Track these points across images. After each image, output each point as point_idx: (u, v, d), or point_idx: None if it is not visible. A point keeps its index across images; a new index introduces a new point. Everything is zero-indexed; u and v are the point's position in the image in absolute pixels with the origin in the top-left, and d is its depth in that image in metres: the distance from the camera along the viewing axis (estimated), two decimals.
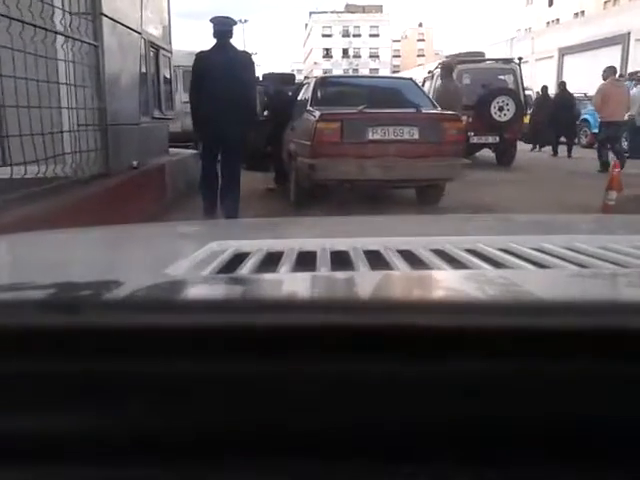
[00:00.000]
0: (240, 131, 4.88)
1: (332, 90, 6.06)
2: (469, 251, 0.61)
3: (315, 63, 70.34)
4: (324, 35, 79.86)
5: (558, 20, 39.29)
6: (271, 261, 0.59)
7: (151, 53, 6.20)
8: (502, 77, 10.26)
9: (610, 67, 9.11)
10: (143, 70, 5.82)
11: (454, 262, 0.57)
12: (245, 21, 57.54)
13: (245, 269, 0.55)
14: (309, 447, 0.28)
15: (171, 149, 7.40)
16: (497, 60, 10.81)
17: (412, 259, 0.58)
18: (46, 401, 0.29)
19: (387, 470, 0.27)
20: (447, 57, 10.99)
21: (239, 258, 0.60)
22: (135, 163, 4.98)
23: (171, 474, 0.28)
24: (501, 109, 9.46)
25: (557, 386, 0.27)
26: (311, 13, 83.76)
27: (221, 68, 4.71)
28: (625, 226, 0.96)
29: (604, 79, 8.93)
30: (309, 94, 5.97)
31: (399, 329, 0.28)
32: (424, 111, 5.37)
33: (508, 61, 10.38)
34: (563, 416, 0.27)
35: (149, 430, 0.28)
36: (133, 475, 0.28)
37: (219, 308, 0.32)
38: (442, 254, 0.60)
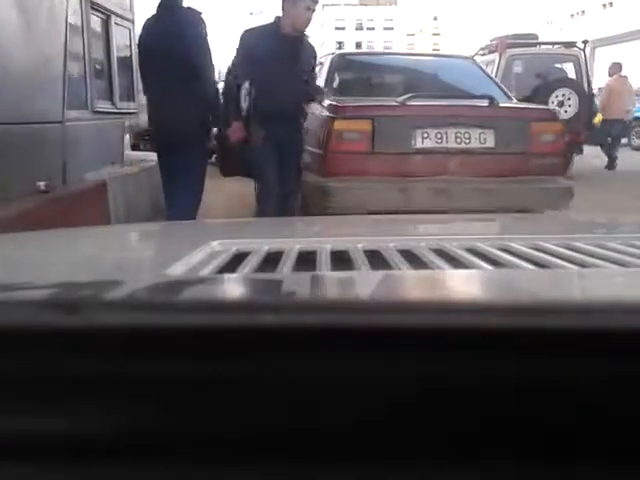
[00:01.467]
0: (193, 124, 3.17)
1: (356, 74, 4.15)
2: (469, 251, 0.62)
3: None
4: (337, 28, 77.69)
5: (583, 12, 37.37)
6: (271, 261, 0.59)
7: (95, 18, 4.31)
8: (559, 65, 8.35)
9: (616, 64, 8.95)
10: (76, 42, 3.94)
11: (454, 262, 0.57)
12: (259, 13, 55.77)
13: (245, 269, 0.56)
14: (309, 447, 0.28)
15: (141, 153, 5.57)
16: (554, 44, 8.82)
17: (412, 259, 0.59)
18: (46, 401, 0.28)
19: (387, 470, 0.27)
20: (492, 40, 8.99)
21: (239, 258, 0.61)
22: (42, 184, 3.13)
23: (171, 475, 0.28)
24: (561, 104, 7.50)
25: (557, 386, 0.27)
26: (324, 6, 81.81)
27: (159, 40, 3.12)
28: (624, 226, 0.98)
29: (610, 76, 8.84)
30: (322, 79, 4.08)
31: (399, 329, 0.28)
32: (502, 104, 3.46)
33: (570, 45, 8.38)
34: (563, 416, 0.27)
35: (149, 430, 0.28)
36: (133, 476, 0.28)
37: (219, 308, 0.31)
38: (442, 254, 0.60)
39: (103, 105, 4.40)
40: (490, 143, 3.34)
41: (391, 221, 1.21)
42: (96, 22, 4.37)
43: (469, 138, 3.32)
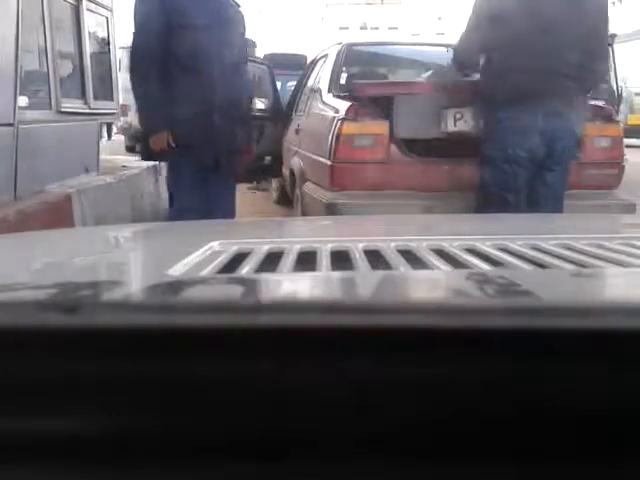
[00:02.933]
0: (237, 132, 2.61)
1: (367, 67, 3.53)
2: (469, 251, 0.62)
3: None
4: (341, 28, 77.25)
5: None
6: (271, 261, 0.59)
7: (61, 4, 3.70)
8: None
9: None
10: (35, 30, 3.34)
11: (454, 262, 0.57)
12: (259, 12, 55.33)
13: (245, 269, 0.55)
14: (309, 447, 0.27)
15: (123, 157, 4.98)
16: None
17: (412, 259, 0.59)
18: (45, 401, 0.28)
19: (385, 470, 0.27)
20: None
21: (239, 258, 0.61)
22: None
23: (171, 475, 0.28)
24: None
25: (557, 387, 0.27)
26: (327, 5, 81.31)
27: (209, 19, 2.46)
28: (624, 226, 0.99)
29: None
30: (327, 74, 3.47)
31: (399, 330, 0.28)
32: None
33: None
34: (563, 416, 0.27)
35: (149, 431, 0.28)
36: (133, 476, 0.28)
37: (219, 308, 0.31)
38: (442, 254, 0.61)
39: (72, 105, 3.79)
40: None
41: (391, 221, 1.20)
42: (63, 8, 3.76)
43: None
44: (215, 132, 2.49)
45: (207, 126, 2.47)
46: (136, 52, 2.49)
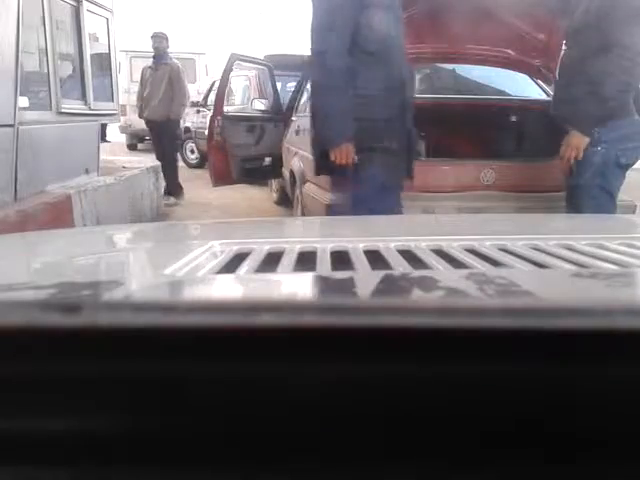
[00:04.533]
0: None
1: None
2: (469, 251, 0.62)
3: None
4: None
5: None
6: (271, 261, 0.59)
7: (61, 5, 3.70)
8: None
9: None
10: (35, 31, 3.34)
11: (454, 262, 0.57)
12: (259, 13, 55.38)
13: (245, 269, 0.55)
14: (309, 447, 0.28)
15: (124, 158, 4.99)
16: None
17: (412, 259, 0.58)
18: (45, 401, 0.28)
19: (386, 470, 0.27)
20: None
21: (239, 258, 0.60)
22: None
23: (171, 475, 0.28)
24: None
25: (556, 388, 0.27)
26: None
27: None
28: (624, 226, 1.01)
29: None
30: None
31: (399, 330, 0.28)
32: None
33: None
34: (563, 417, 0.27)
35: (149, 430, 0.28)
36: (133, 476, 0.28)
37: (219, 308, 0.31)
38: (442, 254, 0.61)
39: (72, 105, 3.79)
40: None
41: (391, 221, 1.21)
42: (63, 9, 3.76)
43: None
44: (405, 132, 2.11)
45: (399, 124, 2.09)
46: (321, 55, 2.00)
